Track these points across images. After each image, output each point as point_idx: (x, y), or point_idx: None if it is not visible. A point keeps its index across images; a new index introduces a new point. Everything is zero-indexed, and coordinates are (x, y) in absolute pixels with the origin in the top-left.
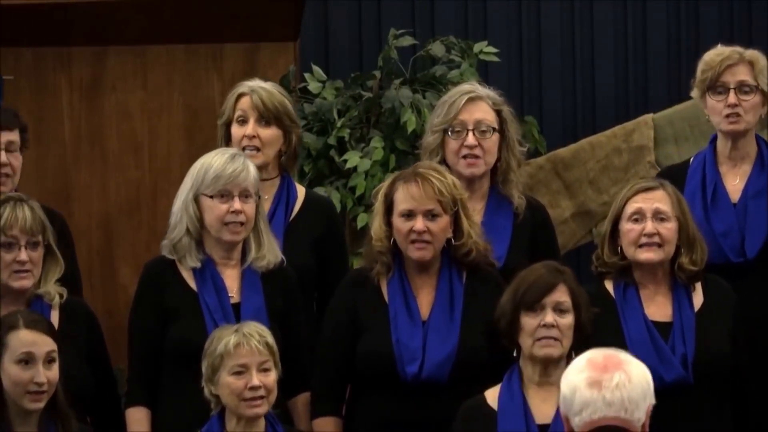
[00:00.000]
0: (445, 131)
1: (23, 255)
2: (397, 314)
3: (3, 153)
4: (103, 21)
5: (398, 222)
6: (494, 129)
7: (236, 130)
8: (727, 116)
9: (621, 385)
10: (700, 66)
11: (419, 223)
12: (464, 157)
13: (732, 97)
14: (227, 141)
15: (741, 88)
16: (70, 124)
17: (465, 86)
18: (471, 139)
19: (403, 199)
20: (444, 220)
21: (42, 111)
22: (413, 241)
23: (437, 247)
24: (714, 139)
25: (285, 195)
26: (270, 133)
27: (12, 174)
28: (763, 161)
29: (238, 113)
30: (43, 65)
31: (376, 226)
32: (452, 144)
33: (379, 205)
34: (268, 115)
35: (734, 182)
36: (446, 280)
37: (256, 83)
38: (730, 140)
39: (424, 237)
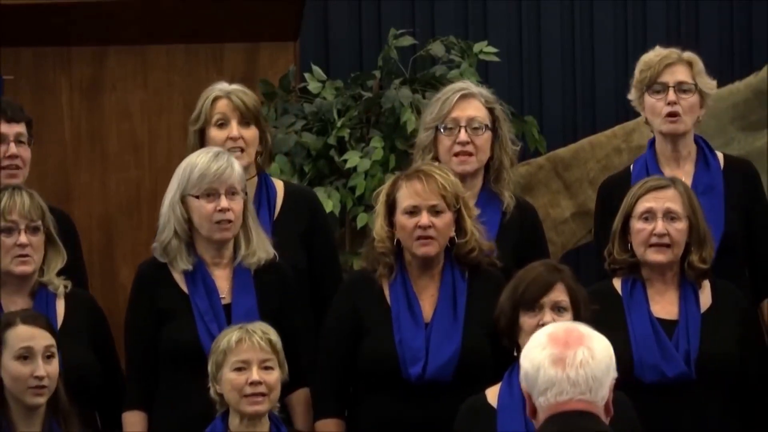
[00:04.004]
0: (437, 128)
1: (23, 238)
2: (400, 315)
3: (13, 144)
4: (103, 21)
5: (402, 219)
6: (486, 126)
7: (216, 133)
8: (667, 116)
9: (585, 362)
10: (639, 66)
11: (424, 218)
12: (456, 154)
13: (671, 95)
14: (201, 146)
15: (680, 86)
16: (70, 124)
17: (458, 84)
18: (463, 135)
19: (406, 196)
20: (447, 216)
21: (42, 111)
22: (418, 237)
23: (441, 243)
24: (652, 143)
25: (265, 194)
26: (251, 133)
27: (22, 166)
28: (706, 159)
29: (216, 116)
30: (43, 65)
31: (378, 227)
32: (445, 141)
33: (380, 206)
34: (249, 116)
35: None
36: (449, 280)
37: (226, 86)
38: (669, 142)
39: (429, 232)
